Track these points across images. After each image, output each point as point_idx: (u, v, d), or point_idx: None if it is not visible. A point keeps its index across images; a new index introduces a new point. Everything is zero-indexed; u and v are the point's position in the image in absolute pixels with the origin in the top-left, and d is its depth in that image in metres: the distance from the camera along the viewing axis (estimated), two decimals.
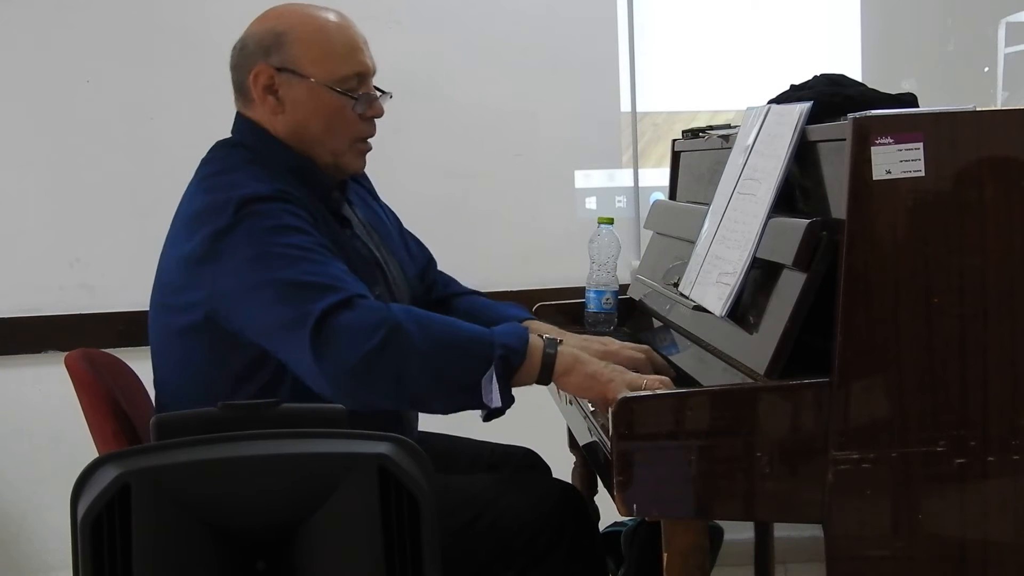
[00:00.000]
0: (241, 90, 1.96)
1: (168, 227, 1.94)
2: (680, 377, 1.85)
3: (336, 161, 1.97)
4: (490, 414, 1.78)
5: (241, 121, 1.99)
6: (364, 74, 1.96)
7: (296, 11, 1.95)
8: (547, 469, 2.29)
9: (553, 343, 1.76)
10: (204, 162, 1.97)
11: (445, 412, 1.77)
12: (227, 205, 1.78)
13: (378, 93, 2.00)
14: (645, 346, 1.94)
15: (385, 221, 2.20)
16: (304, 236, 1.77)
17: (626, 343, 1.91)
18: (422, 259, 2.28)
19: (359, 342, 1.65)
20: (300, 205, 1.83)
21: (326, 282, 1.71)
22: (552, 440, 2.50)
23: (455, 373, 1.70)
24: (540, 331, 1.86)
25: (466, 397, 1.71)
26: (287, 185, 1.85)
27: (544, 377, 1.75)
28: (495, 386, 1.69)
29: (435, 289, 2.28)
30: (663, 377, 1.76)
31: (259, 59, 1.91)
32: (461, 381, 1.70)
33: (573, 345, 1.81)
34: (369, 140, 2.01)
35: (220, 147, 1.99)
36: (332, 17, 1.95)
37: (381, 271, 2.03)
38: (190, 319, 1.83)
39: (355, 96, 1.94)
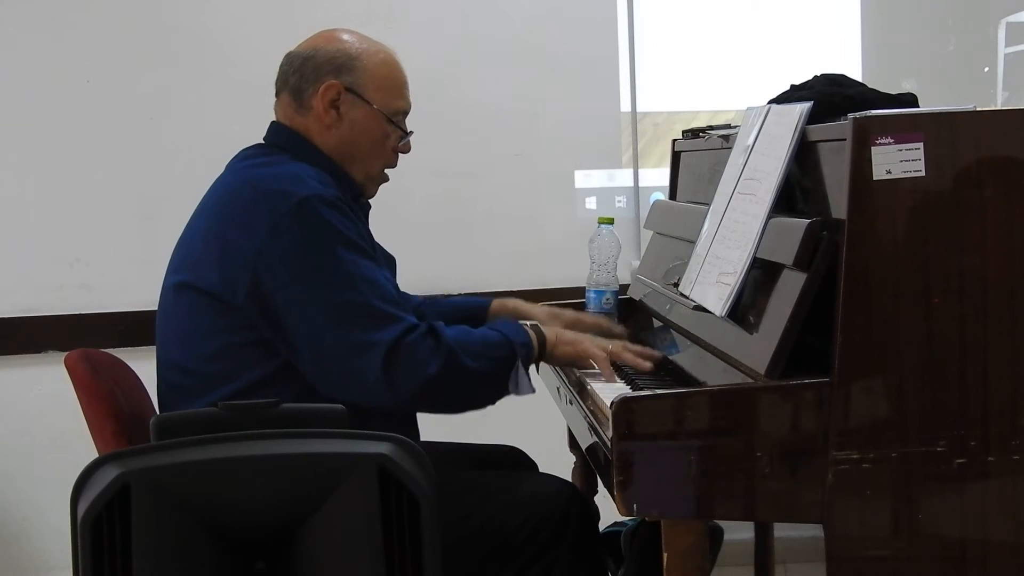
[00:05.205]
0: (300, 97, 2.03)
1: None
2: (680, 377, 1.85)
3: (364, 181, 2.10)
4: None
5: (279, 128, 2.07)
6: (407, 112, 2.12)
7: (363, 39, 2.08)
8: (533, 466, 2.32)
9: (537, 327, 2.02)
10: (241, 156, 2.03)
11: (478, 408, 1.96)
12: (287, 198, 1.85)
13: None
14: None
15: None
16: (364, 257, 1.89)
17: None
18: None
19: (424, 369, 1.83)
20: (353, 215, 1.92)
21: (391, 311, 1.86)
22: (552, 440, 2.50)
23: (492, 376, 1.91)
24: (515, 310, 2.28)
25: (497, 393, 1.93)
26: (332, 188, 1.93)
27: (541, 355, 2.00)
28: (522, 378, 1.92)
29: None
30: (624, 342, 2.06)
31: (330, 75, 2.02)
32: (497, 382, 1.92)
33: (543, 319, 2.17)
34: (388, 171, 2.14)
35: (254, 147, 2.06)
36: (392, 53, 2.10)
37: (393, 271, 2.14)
38: (221, 295, 1.87)
39: (403, 129, 2.09)
